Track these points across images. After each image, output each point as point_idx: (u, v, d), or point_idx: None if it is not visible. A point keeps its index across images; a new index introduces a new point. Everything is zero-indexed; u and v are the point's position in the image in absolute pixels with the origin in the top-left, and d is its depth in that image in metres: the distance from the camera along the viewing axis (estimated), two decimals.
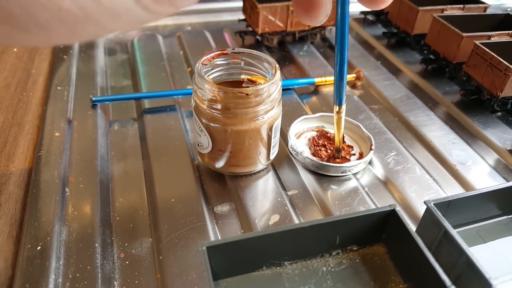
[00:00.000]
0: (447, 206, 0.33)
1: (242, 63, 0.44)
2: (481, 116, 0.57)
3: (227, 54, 0.43)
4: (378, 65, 0.70)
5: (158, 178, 0.44)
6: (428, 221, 0.33)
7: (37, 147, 0.46)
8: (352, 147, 0.50)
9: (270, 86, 0.39)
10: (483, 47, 0.54)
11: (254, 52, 0.43)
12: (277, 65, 0.41)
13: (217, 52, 0.43)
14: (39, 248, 0.35)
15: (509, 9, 0.92)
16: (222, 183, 0.45)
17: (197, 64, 0.41)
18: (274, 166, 0.48)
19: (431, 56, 0.69)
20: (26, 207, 0.39)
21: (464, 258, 0.29)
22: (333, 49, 0.75)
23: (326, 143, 0.50)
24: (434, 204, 0.32)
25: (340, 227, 0.32)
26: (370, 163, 0.48)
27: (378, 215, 0.32)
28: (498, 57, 0.52)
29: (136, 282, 0.34)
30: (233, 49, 0.44)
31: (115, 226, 0.39)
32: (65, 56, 0.65)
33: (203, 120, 0.41)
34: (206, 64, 0.42)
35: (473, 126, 0.55)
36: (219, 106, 0.39)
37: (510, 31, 0.61)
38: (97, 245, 0.36)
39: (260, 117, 0.41)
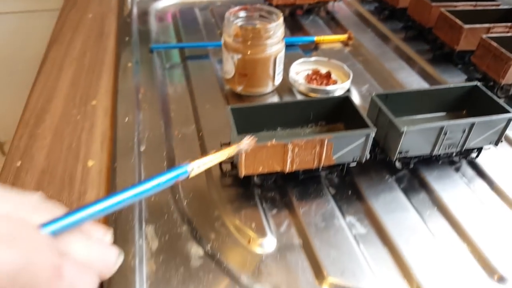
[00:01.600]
0: (385, 98, 0.52)
1: (257, 14, 0.64)
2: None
3: (247, 9, 0.64)
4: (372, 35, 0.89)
5: (199, 95, 0.65)
6: (372, 106, 0.52)
7: (117, 71, 0.67)
8: (336, 81, 0.69)
9: (275, 26, 0.59)
10: (488, 40, 0.64)
11: (265, 7, 0.63)
12: (281, 13, 0.61)
13: (241, 7, 0.63)
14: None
15: None
16: (239, 99, 0.65)
17: (226, 13, 0.61)
18: (279, 91, 0.67)
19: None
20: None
21: (388, 120, 0.48)
22: (334, 20, 0.94)
23: (317, 77, 0.69)
24: (376, 95, 0.52)
25: (312, 105, 0.51)
26: (349, 90, 0.68)
27: (336, 99, 0.51)
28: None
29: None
30: (252, 5, 0.64)
31: (173, 116, 0.60)
32: (128, 19, 0.86)
33: (230, 51, 0.61)
34: (232, 14, 0.62)
35: None
36: (240, 40, 0.59)
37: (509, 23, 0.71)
38: (161, 122, 0.57)
39: (268, 48, 0.61)
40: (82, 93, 0.62)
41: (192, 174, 0.31)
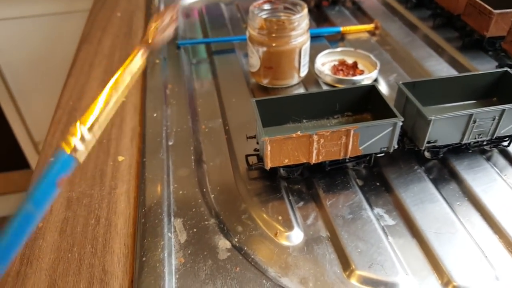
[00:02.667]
0: (413, 86, 0.51)
1: (281, 6, 0.64)
2: None
3: (271, 1, 0.64)
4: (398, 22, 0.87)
5: (225, 90, 0.65)
6: (399, 95, 0.51)
7: (144, 72, 0.68)
8: (363, 71, 0.68)
9: (300, 18, 0.59)
10: None
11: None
12: (305, 5, 0.61)
13: (265, 0, 0.63)
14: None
15: None
16: (265, 92, 0.65)
17: (251, 6, 0.61)
18: (304, 84, 0.67)
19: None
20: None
21: (415, 109, 0.47)
22: (360, 10, 0.93)
23: (343, 68, 0.68)
24: (403, 83, 0.51)
25: (337, 95, 0.51)
26: (376, 81, 0.67)
27: (363, 88, 0.51)
28: None
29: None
30: None
31: (200, 111, 0.60)
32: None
33: (254, 44, 0.61)
34: (257, 7, 0.62)
35: None
36: (265, 32, 0.60)
37: None
38: (189, 117, 0.58)
39: (293, 40, 0.60)
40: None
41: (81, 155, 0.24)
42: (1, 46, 1.24)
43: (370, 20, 0.86)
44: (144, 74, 0.67)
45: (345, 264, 0.40)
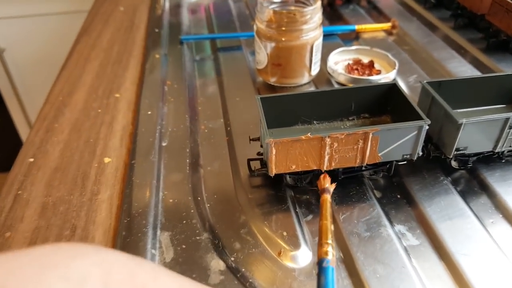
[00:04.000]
0: (438, 86, 0.45)
1: (293, 0, 0.58)
2: None
3: None
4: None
5: (229, 88, 0.60)
6: (423, 96, 0.45)
7: (143, 63, 0.63)
8: (380, 71, 0.62)
9: (312, 10, 0.53)
10: None
11: None
12: None
13: None
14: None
15: None
16: (273, 92, 0.59)
17: None
18: (315, 83, 0.61)
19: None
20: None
21: (442, 111, 0.41)
22: (376, 9, 0.87)
23: (359, 67, 0.63)
24: (427, 82, 0.45)
25: (353, 94, 0.45)
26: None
27: (382, 87, 0.45)
28: None
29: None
30: None
31: (200, 110, 0.55)
32: (159, 11, 0.82)
33: (262, 39, 0.56)
34: None
35: None
36: (274, 25, 0.54)
37: None
38: (187, 116, 0.52)
39: (304, 35, 0.55)
40: (106, 85, 0.58)
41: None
42: (8, 44, 1.21)
43: (386, 19, 0.80)
44: (142, 69, 0.62)
45: None
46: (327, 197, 0.33)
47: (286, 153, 0.38)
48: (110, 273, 0.16)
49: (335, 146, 0.38)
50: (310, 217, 0.40)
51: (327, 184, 0.36)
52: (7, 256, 0.15)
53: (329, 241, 0.27)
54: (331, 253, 0.25)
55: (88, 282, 0.15)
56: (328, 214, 0.30)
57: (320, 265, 0.25)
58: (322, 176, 0.38)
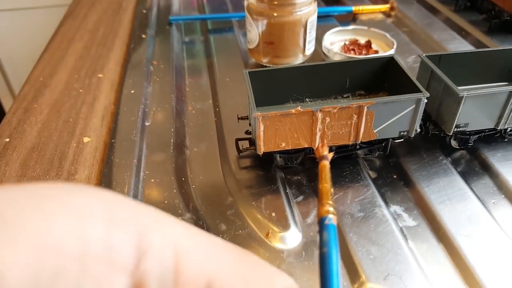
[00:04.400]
0: (438, 60, 0.43)
1: None
2: None
3: None
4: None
5: (219, 69, 0.57)
6: (421, 71, 0.43)
7: (129, 43, 0.60)
8: (378, 51, 0.60)
9: None
10: None
11: None
12: None
13: None
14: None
15: None
16: None
17: None
18: None
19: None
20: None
21: (442, 85, 0.39)
22: None
23: (355, 48, 0.60)
24: (426, 56, 0.42)
25: (348, 69, 0.42)
26: None
27: (380, 60, 0.42)
28: None
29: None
30: None
31: (188, 91, 0.52)
32: None
33: (253, 15, 0.53)
34: None
35: None
36: (265, 0, 0.51)
37: None
38: (173, 96, 0.50)
39: (298, 10, 0.52)
40: (89, 66, 0.55)
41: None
42: (1, 38, 1.18)
43: (384, 1, 0.78)
44: (128, 49, 0.59)
45: (354, 274, 0.31)
46: (326, 163, 0.32)
47: (275, 129, 0.36)
48: (113, 211, 0.15)
49: (327, 121, 0.36)
50: (301, 198, 0.38)
51: (326, 152, 0.34)
52: (2, 188, 0.14)
53: (330, 202, 0.26)
54: (332, 212, 0.25)
55: (90, 217, 0.14)
56: (328, 178, 0.29)
57: (322, 222, 0.25)
58: (320, 144, 0.36)
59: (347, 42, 0.61)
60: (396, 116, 0.36)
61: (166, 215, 0.16)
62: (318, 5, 0.76)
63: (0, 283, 0.12)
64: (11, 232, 0.12)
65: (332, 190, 0.28)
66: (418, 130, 0.38)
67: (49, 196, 0.14)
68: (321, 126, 0.36)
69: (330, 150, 0.39)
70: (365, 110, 0.35)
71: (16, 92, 1.27)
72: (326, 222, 0.25)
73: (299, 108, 0.34)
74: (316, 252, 0.33)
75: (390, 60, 0.42)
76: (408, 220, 0.35)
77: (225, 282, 0.15)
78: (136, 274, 0.14)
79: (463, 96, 0.36)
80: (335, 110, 0.35)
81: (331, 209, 0.26)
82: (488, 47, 0.63)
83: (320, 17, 0.71)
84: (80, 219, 0.14)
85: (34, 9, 1.17)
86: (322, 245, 0.23)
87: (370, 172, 0.40)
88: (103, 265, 0.14)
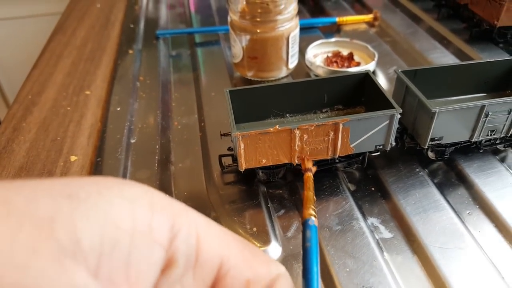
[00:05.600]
0: (414, 75, 0.44)
1: None
2: None
3: None
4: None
5: (205, 83, 0.58)
6: (398, 85, 0.44)
7: (116, 59, 0.61)
8: (359, 62, 0.61)
9: (286, 0, 0.52)
10: None
11: None
12: None
13: None
14: None
15: None
16: (249, 85, 0.58)
17: None
18: (294, 77, 0.60)
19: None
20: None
21: (416, 100, 0.40)
22: (359, 2, 0.85)
23: (338, 60, 0.61)
24: (402, 71, 0.44)
25: (325, 85, 0.44)
26: (374, 73, 0.60)
27: (356, 76, 0.44)
28: None
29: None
30: None
31: (174, 106, 0.53)
32: (136, 7, 0.81)
33: (237, 31, 0.54)
34: None
35: None
36: (248, 17, 0.52)
37: None
38: (158, 112, 0.51)
39: (280, 26, 0.53)
40: (76, 83, 0.57)
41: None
42: None
43: (369, 11, 0.79)
44: (115, 65, 0.60)
45: (330, 286, 0.32)
46: (310, 175, 0.36)
47: (255, 147, 0.37)
48: (153, 199, 0.18)
49: (305, 138, 0.37)
50: (282, 212, 0.39)
51: (310, 165, 0.37)
52: (66, 179, 0.17)
53: (313, 207, 0.31)
54: (314, 215, 0.30)
55: (137, 202, 0.17)
56: (311, 187, 0.34)
57: (306, 223, 0.29)
58: (305, 158, 0.38)
59: (330, 55, 0.63)
60: (371, 132, 0.38)
61: (188, 207, 0.20)
62: (303, 16, 0.78)
63: (78, 247, 0.15)
64: (84, 210, 0.16)
65: (314, 197, 0.33)
66: (394, 143, 0.40)
67: (107, 186, 0.17)
68: (299, 143, 0.37)
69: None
70: (341, 126, 0.36)
71: (10, 100, 1.27)
72: (310, 223, 0.29)
73: (277, 127, 0.35)
74: (296, 266, 0.34)
75: (366, 76, 0.43)
76: (385, 232, 0.36)
77: (233, 263, 0.19)
78: (169, 250, 0.18)
79: (435, 112, 0.37)
80: (312, 128, 0.36)
81: (313, 212, 0.30)
82: (469, 56, 0.64)
83: (306, 29, 0.73)
84: (131, 203, 0.17)
85: (26, 18, 1.18)
86: (305, 240, 0.28)
87: (349, 185, 0.41)
88: (147, 240, 0.17)
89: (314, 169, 0.37)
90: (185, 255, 0.18)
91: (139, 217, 0.17)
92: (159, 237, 0.17)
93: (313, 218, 0.30)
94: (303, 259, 0.27)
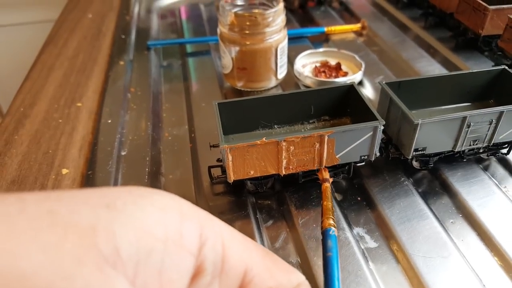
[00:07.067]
0: (398, 86, 0.45)
1: (257, 2, 0.58)
2: None
3: None
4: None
5: (196, 94, 0.59)
6: (382, 97, 0.45)
7: (107, 70, 0.62)
8: (347, 72, 0.62)
9: (274, 12, 0.53)
10: None
11: None
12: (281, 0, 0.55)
13: None
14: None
15: None
16: (240, 95, 0.59)
17: (221, 1, 0.55)
18: (283, 87, 0.61)
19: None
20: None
21: (400, 112, 0.41)
22: (348, 11, 0.87)
23: (326, 70, 0.62)
24: (386, 83, 0.45)
25: (312, 97, 0.45)
26: (361, 83, 0.61)
27: (342, 88, 0.45)
28: None
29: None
30: None
31: (165, 117, 0.54)
32: (127, 17, 0.82)
33: (226, 43, 0.55)
34: (229, 1, 0.56)
35: None
36: (236, 29, 0.53)
37: None
38: (149, 123, 0.52)
39: (268, 38, 0.54)
40: (68, 95, 0.57)
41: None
42: None
43: (358, 20, 0.81)
44: (106, 77, 0.61)
45: None
46: (328, 185, 0.38)
47: (243, 159, 0.38)
48: (182, 208, 0.19)
49: (292, 149, 0.38)
50: (270, 222, 0.40)
51: (327, 176, 0.39)
52: (102, 189, 0.18)
53: (332, 217, 0.33)
54: (334, 225, 0.31)
55: (169, 211, 0.18)
56: (330, 197, 0.36)
57: (326, 233, 0.31)
58: (323, 168, 0.40)
59: (318, 65, 0.64)
60: (355, 143, 0.39)
61: (212, 215, 0.20)
62: (293, 25, 0.79)
63: (117, 255, 0.15)
64: (122, 219, 0.16)
65: (333, 207, 0.35)
66: (378, 154, 0.41)
67: (140, 195, 0.18)
68: (286, 154, 0.38)
69: (297, 176, 0.42)
70: (326, 138, 0.37)
71: (4, 107, 1.27)
72: (330, 233, 0.31)
73: (264, 139, 0.36)
74: None
75: (351, 87, 0.44)
76: (370, 242, 0.37)
77: (256, 271, 0.20)
78: (198, 258, 0.18)
79: (418, 123, 0.38)
80: (298, 140, 0.37)
81: (332, 222, 0.32)
82: (455, 64, 0.66)
83: (295, 39, 0.74)
84: (163, 212, 0.18)
85: (19, 26, 1.18)
86: (327, 250, 0.29)
87: (336, 195, 0.42)
88: (179, 247, 0.18)
89: (331, 180, 0.40)
90: (213, 263, 0.19)
91: (170, 226, 0.18)
92: (190, 245, 0.18)
93: (333, 228, 0.31)
94: (325, 268, 0.28)
